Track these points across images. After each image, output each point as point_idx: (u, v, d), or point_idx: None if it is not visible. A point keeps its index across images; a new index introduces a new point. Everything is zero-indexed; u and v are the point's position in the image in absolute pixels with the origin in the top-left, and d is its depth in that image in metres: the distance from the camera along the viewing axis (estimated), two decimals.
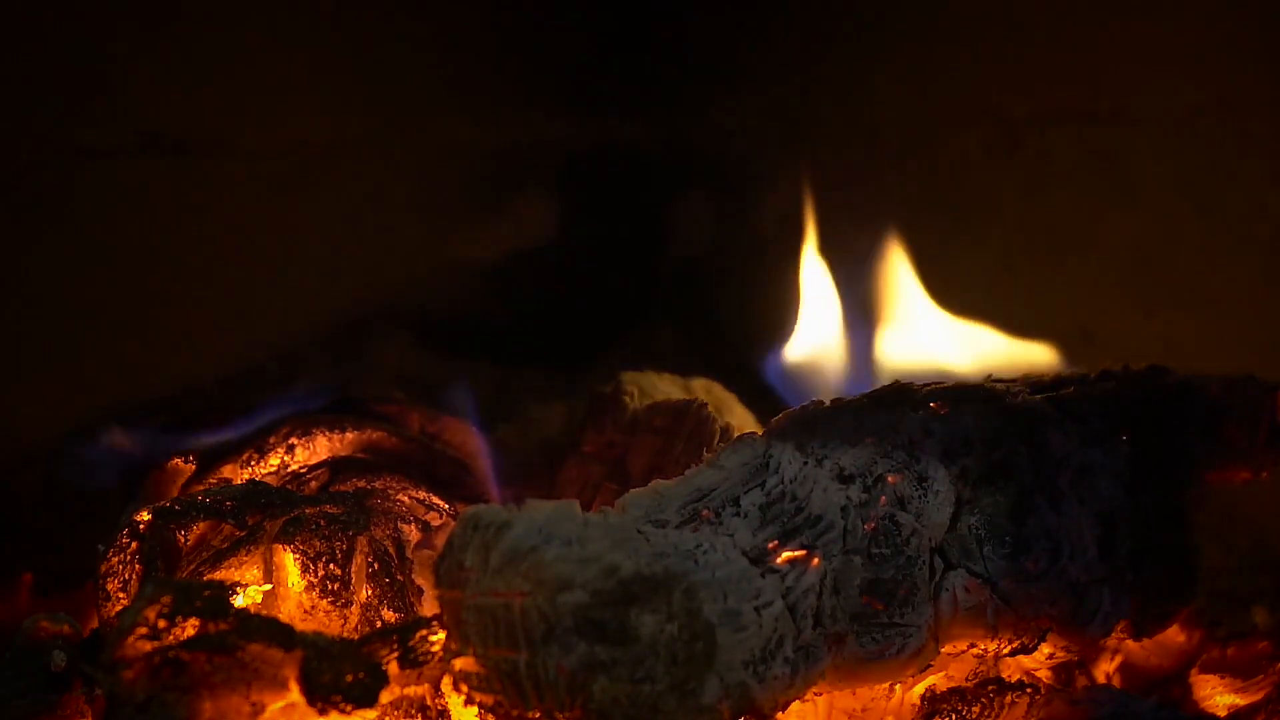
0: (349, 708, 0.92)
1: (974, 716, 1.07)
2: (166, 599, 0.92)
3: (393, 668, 0.95)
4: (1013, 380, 1.14)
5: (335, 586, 1.10)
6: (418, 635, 0.96)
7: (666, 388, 1.35)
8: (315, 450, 1.22)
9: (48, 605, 1.28)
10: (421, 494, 1.20)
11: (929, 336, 1.35)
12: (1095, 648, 1.14)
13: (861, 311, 1.38)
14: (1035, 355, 1.33)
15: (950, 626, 1.02)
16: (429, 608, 1.09)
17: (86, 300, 1.66)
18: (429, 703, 1.04)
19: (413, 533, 1.17)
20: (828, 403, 1.09)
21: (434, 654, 0.96)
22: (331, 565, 1.10)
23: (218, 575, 1.09)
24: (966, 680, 1.10)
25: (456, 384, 1.48)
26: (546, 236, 2.06)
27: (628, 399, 1.28)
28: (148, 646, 0.91)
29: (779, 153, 1.96)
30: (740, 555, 0.94)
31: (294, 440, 1.22)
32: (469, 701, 0.93)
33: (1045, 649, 1.06)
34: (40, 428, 1.64)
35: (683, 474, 1.02)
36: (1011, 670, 1.12)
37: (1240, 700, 1.18)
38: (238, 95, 1.74)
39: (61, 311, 1.64)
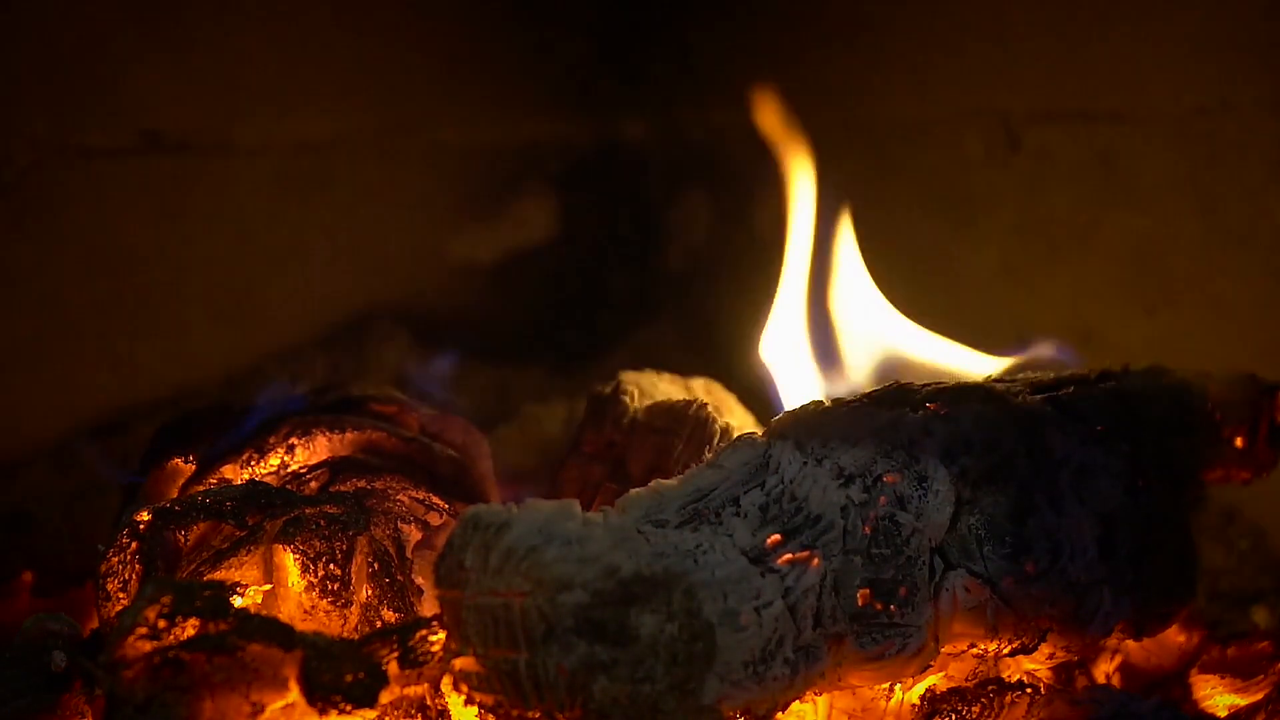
0: (349, 708, 0.92)
1: (974, 716, 1.07)
2: (166, 599, 0.92)
3: (393, 668, 0.95)
4: (1013, 380, 1.14)
5: (335, 586, 1.10)
6: (418, 635, 0.96)
7: (666, 388, 1.35)
8: (315, 450, 1.22)
9: (48, 605, 1.28)
10: (421, 494, 1.19)
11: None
12: (1095, 648, 1.14)
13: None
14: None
15: (950, 626, 1.02)
16: (429, 608, 1.09)
17: (86, 300, 1.66)
18: (429, 703, 1.04)
19: (413, 533, 1.17)
20: (828, 402, 1.09)
21: (434, 654, 0.96)
22: (331, 565, 1.10)
23: (218, 575, 1.09)
24: (966, 680, 1.10)
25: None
26: (546, 236, 2.06)
27: (628, 399, 1.28)
28: (148, 646, 0.91)
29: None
30: (740, 555, 0.94)
31: (294, 440, 1.22)
32: (469, 701, 0.93)
33: (1045, 649, 1.06)
34: (40, 428, 1.64)
35: (683, 474, 1.02)
36: (1011, 670, 1.12)
37: (1240, 700, 1.18)
38: (238, 95, 1.74)
39: (61, 311, 1.64)
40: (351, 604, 1.10)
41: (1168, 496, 1.10)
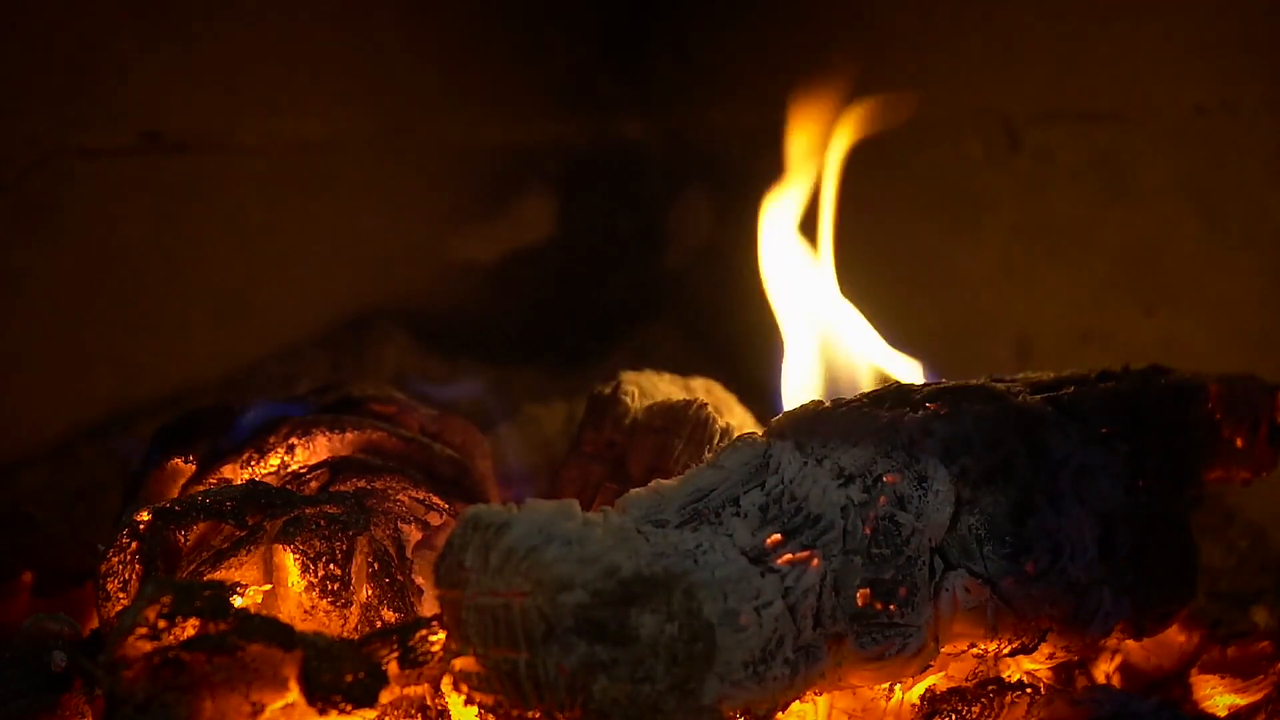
0: (349, 708, 0.92)
1: (974, 716, 1.07)
2: (166, 599, 0.92)
3: (393, 668, 0.95)
4: (1013, 380, 1.14)
5: (335, 586, 1.10)
6: (418, 635, 0.96)
7: (666, 388, 1.35)
8: (315, 450, 1.22)
9: (48, 605, 1.28)
10: (421, 494, 1.20)
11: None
12: (1095, 648, 1.14)
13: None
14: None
15: (950, 626, 1.02)
16: (429, 608, 1.09)
17: (86, 300, 1.66)
18: (429, 703, 1.04)
19: (413, 533, 1.17)
20: (828, 403, 1.09)
21: (434, 654, 0.96)
22: (331, 565, 1.10)
23: (218, 575, 1.09)
24: (966, 680, 1.10)
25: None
26: (546, 236, 2.06)
27: (628, 399, 1.28)
28: (148, 646, 0.91)
29: (778, 152, 1.97)
30: (740, 555, 0.94)
31: (294, 440, 1.22)
32: (469, 701, 0.93)
33: (1045, 649, 1.06)
34: (40, 428, 1.64)
35: (683, 474, 1.02)
36: (1011, 670, 1.12)
37: (1240, 700, 1.18)
38: (238, 95, 1.74)
39: (61, 311, 1.64)
40: (351, 604, 1.10)
41: (1168, 496, 1.10)
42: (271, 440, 1.22)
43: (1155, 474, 1.10)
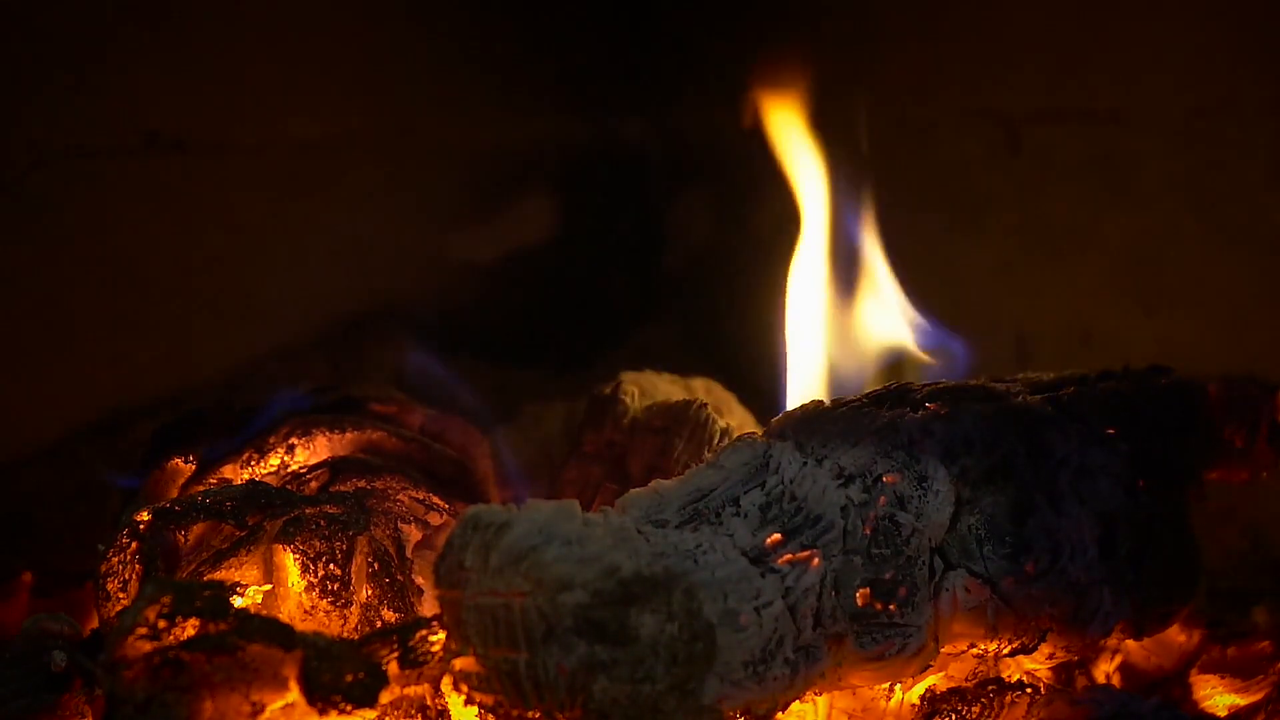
0: (349, 708, 0.92)
1: (974, 716, 1.07)
2: (166, 599, 0.92)
3: (393, 668, 0.95)
4: (1013, 380, 1.14)
5: (335, 586, 1.10)
6: (418, 635, 0.96)
7: (666, 388, 1.35)
8: (315, 450, 1.22)
9: (48, 605, 1.28)
10: (421, 494, 1.20)
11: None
12: (1095, 648, 1.14)
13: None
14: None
15: (950, 626, 1.02)
16: (429, 608, 1.09)
17: (87, 300, 1.66)
18: (429, 703, 1.05)
19: (413, 533, 1.17)
20: (828, 403, 1.09)
21: (434, 654, 0.96)
22: (331, 565, 1.10)
23: (218, 575, 1.09)
24: (966, 680, 1.10)
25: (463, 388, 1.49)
26: (546, 236, 2.06)
27: (628, 399, 1.28)
28: (148, 646, 0.91)
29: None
30: (740, 555, 0.94)
31: (294, 440, 1.22)
32: (469, 701, 0.93)
33: (1045, 649, 1.06)
34: (40, 428, 1.64)
35: (683, 474, 1.02)
36: (1011, 670, 1.12)
37: (1240, 700, 1.18)
38: (238, 95, 1.74)
39: (62, 311, 1.64)
40: (351, 604, 1.10)
41: (1168, 496, 1.10)
42: (271, 440, 1.22)
43: (1155, 474, 1.10)
